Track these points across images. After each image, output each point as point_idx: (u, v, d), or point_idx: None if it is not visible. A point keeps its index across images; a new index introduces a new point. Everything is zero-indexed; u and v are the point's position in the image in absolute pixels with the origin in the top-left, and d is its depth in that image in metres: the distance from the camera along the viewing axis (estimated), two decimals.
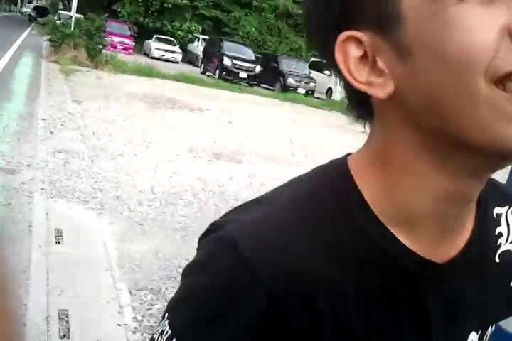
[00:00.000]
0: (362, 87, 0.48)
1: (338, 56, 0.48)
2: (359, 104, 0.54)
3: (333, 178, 0.54)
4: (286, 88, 20.80)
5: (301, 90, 21.02)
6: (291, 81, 21.21)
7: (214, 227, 0.53)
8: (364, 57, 0.48)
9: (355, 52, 0.48)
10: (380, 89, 0.48)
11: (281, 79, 21.36)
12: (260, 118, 12.44)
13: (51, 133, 7.37)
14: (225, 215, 0.55)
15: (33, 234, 4.06)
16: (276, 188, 0.57)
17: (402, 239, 0.51)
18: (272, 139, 9.92)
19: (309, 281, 0.48)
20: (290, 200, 0.53)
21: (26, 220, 4.29)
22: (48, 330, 2.89)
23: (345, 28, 0.48)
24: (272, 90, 21.29)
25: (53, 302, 3.16)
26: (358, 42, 0.48)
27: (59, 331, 2.90)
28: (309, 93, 21.32)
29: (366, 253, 0.51)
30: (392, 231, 0.51)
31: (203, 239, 0.54)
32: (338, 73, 0.51)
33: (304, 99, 19.26)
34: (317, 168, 0.58)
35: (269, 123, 11.86)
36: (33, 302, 3.13)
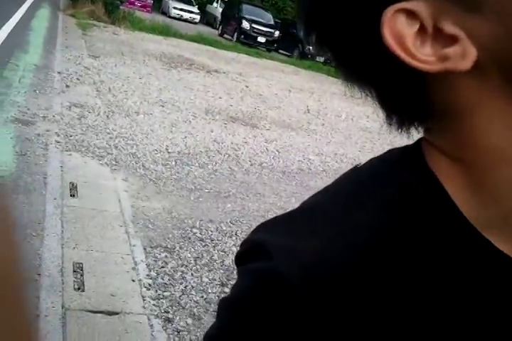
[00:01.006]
0: (434, 67, 0.39)
1: (389, 39, 0.38)
2: (412, 102, 0.44)
3: (412, 182, 0.43)
4: (304, 55, 20.47)
5: (320, 58, 20.68)
6: (310, 48, 20.84)
7: (252, 252, 0.44)
8: (420, 31, 0.39)
9: (409, 27, 0.38)
10: (461, 59, 0.38)
11: (300, 46, 21.01)
12: (277, 84, 12.27)
13: (67, 86, 7.28)
14: (259, 230, 0.46)
15: (48, 186, 4.03)
16: (323, 194, 0.47)
17: (501, 246, 0.42)
18: (288, 106, 9.79)
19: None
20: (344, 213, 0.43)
21: (41, 172, 4.26)
22: (63, 282, 2.88)
23: (385, 4, 0.39)
24: (290, 56, 20.96)
25: (68, 254, 3.15)
26: (409, 14, 0.38)
27: (73, 283, 2.89)
28: (328, 61, 20.96)
29: (456, 266, 0.41)
30: (487, 237, 0.42)
31: (241, 264, 0.44)
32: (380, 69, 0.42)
33: (322, 67, 18.94)
34: (371, 167, 0.47)
35: (285, 89, 11.69)
36: (48, 254, 3.11)
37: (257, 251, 0.42)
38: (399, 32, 0.38)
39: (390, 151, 0.48)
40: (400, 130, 0.47)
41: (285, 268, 0.40)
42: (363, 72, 0.44)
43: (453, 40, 0.38)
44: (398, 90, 0.43)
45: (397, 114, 0.46)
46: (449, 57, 0.38)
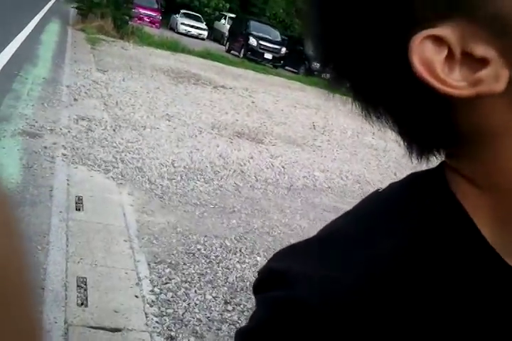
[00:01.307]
0: (465, 92, 0.38)
1: (419, 66, 0.38)
2: (438, 129, 0.43)
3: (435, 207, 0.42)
4: (310, 72, 20.58)
5: (326, 75, 20.73)
6: (316, 65, 20.96)
7: (271, 280, 0.42)
8: (448, 57, 0.39)
9: (438, 54, 0.38)
10: (494, 81, 0.37)
11: (307, 63, 21.13)
12: (283, 100, 12.32)
13: (75, 100, 7.32)
14: (278, 259, 0.45)
15: (54, 199, 4.03)
16: (343, 220, 0.47)
17: None
18: (294, 122, 9.81)
19: None
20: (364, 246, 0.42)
21: (47, 185, 4.26)
22: (66, 297, 2.86)
23: (410, 31, 0.38)
24: (297, 73, 21.07)
25: (72, 268, 3.14)
26: (437, 41, 0.38)
27: (77, 299, 2.87)
28: None
29: (482, 296, 0.40)
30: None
31: (260, 293, 0.43)
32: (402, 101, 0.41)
33: (328, 84, 19.03)
34: (393, 192, 0.46)
35: (291, 105, 11.74)
36: (52, 268, 3.10)
37: (277, 279, 0.42)
38: (428, 59, 0.38)
39: (411, 176, 0.47)
40: (420, 158, 0.47)
41: (307, 297, 0.39)
42: (384, 101, 0.44)
43: (483, 63, 0.38)
44: (423, 117, 0.43)
45: (420, 141, 0.46)
46: (481, 81, 0.38)
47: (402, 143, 0.47)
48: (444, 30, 0.38)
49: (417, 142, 0.46)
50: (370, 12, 0.40)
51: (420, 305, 0.39)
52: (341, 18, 0.42)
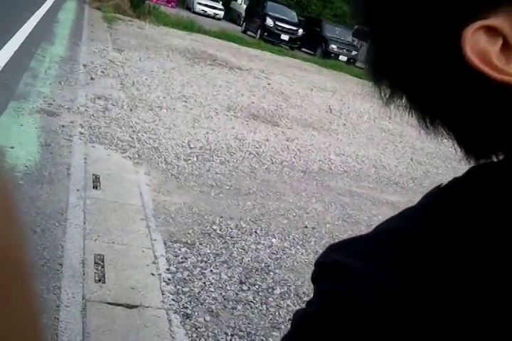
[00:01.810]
0: None
1: (473, 58, 0.37)
2: (500, 129, 0.41)
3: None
4: (327, 54, 20.39)
5: (343, 57, 20.60)
6: (333, 47, 20.76)
7: (330, 272, 0.44)
8: (504, 47, 0.38)
9: (492, 44, 0.38)
10: None
11: (323, 45, 20.93)
12: (299, 82, 12.23)
13: (92, 79, 7.33)
14: (335, 250, 0.46)
15: (71, 178, 4.06)
16: (399, 220, 0.46)
17: None
18: (310, 105, 9.76)
19: None
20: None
21: (65, 163, 4.30)
22: (84, 273, 2.90)
23: (462, 24, 0.38)
24: (313, 55, 20.88)
25: (90, 246, 3.17)
26: (490, 31, 0.37)
27: (94, 275, 2.91)
28: (351, 61, 20.87)
29: None
30: None
31: (319, 283, 0.45)
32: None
33: (344, 66, 18.86)
34: (456, 192, 0.44)
35: (308, 88, 11.66)
36: (70, 245, 3.14)
37: (336, 272, 0.43)
38: (483, 49, 0.38)
39: (473, 174, 0.45)
40: (478, 162, 0.46)
41: (364, 292, 0.40)
42: (442, 109, 0.43)
43: None
44: (482, 120, 0.41)
45: (478, 147, 0.45)
46: None
47: (454, 146, 0.46)
48: (497, 20, 0.37)
49: (475, 148, 0.45)
50: (420, 9, 0.39)
51: (483, 309, 0.39)
52: (391, 21, 0.42)
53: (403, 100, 0.45)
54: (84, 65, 7.96)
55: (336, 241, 0.48)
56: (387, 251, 0.43)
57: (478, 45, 0.37)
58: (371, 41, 0.45)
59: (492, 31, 0.37)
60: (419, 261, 0.41)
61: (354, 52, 21.33)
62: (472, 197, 0.43)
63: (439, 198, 0.45)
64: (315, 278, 0.45)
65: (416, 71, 0.42)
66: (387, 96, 0.45)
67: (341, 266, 0.43)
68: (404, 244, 0.42)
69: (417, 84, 0.43)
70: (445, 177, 7.11)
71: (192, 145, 5.63)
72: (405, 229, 0.44)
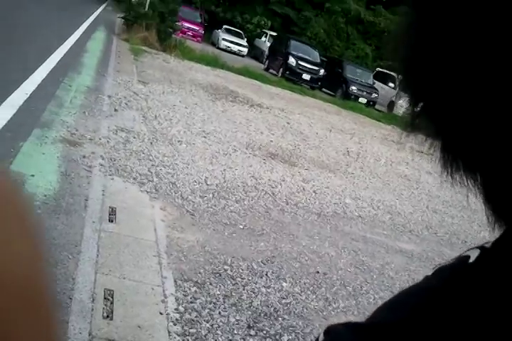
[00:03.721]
0: None
1: None
2: None
3: None
4: (347, 95, 20.59)
5: (363, 99, 20.77)
6: (353, 89, 20.97)
7: None
8: None
9: None
10: None
11: (344, 86, 21.15)
12: (318, 122, 12.34)
13: (115, 110, 7.46)
14: (347, 331, 0.43)
15: (88, 209, 4.09)
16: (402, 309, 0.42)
17: None
18: (328, 146, 9.81)
19: None
20: None
21: (83, 194, 4.34)
22: (93, 309, 2.89)
23: None
24: (333, 96, 21.10)
25: (101, 280, 3.17)
26: None
27: (103, 311, 2.90)
28: (370, 104, 21.05)
29: None
30: None
31: None
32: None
33: (364, 109, 19.02)
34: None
35: (326, 129, 11.75)
36: (81, 278, 3.14)
37: None
38: None
39: (486, 255, 0.41)
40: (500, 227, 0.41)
41: None
42: (484, 164, 0.38)
43: None
44: None
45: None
46: None
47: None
48: None
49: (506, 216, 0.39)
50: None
51: None
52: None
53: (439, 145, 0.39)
54: (109, 96, 8.13)
55: (348, 289, 0.47)
56: None
57: None
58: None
59: None
60: None
61: (374, 95, 21.51)
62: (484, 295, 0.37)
63: (445, 285, 0.41)
64: None
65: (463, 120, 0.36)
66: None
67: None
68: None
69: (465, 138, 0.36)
70: (460, 227, 7.04)
71: (209, 182, 5.67)
72: (406, 320, 0.39)
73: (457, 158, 0.38)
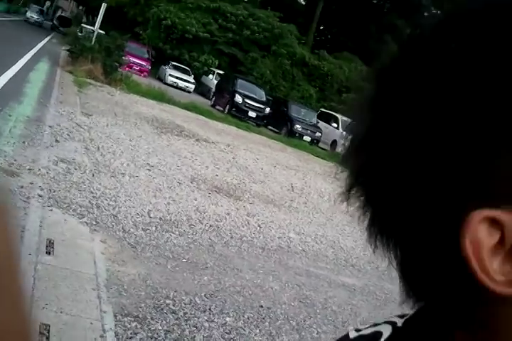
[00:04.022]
0: (498, 289, 0.35)
1: (467, 244, 0.35)
2: (457, 310, 0.39)
3: None
4: (292, 133, 20.95)
5: (307, 138, 21.18)
6: (298, 127, 21.38)
7: None
8: (498, 244, 0.35)
9: (489, 238, 0.35)
10: None
11: (289, 124, 21.54)
12: (264, 158, 12.44)
13: (56, 141, 7.29)
14: None
15: (24, 241, 3.92)
16: None
17: None
18: (273, 182, 9.88)
19: None
20: None
21: (19, 225, 4.16)
22: None
23: (470, 207, 0.36)
24: (278, 133, 21.43)
25: (36, 314, 3.01)
26: (493, 223, 0.35)
27: None
28: (314, 142, 21.48)
29: None
30: None
31: None
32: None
33: (308, 147, 19.36)
34: None
35: (271, 165, 11.85)
36: None
37: None
38: (478, 241, 0.35)
39: (396, 335, 0.46)
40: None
41: None
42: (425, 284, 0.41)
43: None
44: (447, 294, 0.39)
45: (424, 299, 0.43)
46: None
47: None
48: (505, 215, 0.35)
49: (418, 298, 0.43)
50: (428, 184, 0.37)
51: None
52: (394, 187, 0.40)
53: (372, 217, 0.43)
54: (51, 127, 7.95)
55: (291, 324, 0.49)
56: None
57: (476, 234, 0.35)
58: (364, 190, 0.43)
59: (495, 223, 0.35)
60: None
61: (318, 134, 21.99)
62: None
63: None
64: None
65: (406, 230, 0.40)
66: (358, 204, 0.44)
67: None
68: None
69: (406, 242, 0.41)
70: None
71: (152, 215, 5.56)
72: None
73: (382, 232, 0.42)
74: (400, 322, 0.46)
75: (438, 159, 0.37)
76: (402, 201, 0.39)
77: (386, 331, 0.47)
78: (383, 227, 0.43)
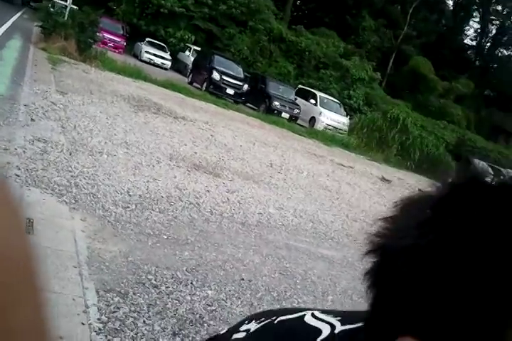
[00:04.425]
0: None
1: None
2: None
3: None
4: (270, 110, 20.94)
5: (285, 115, 21.19)
6: (276, 104, 21.36)
7: None
8: None
9: None
10: None
11: (267, 101, 21.50)
12: (242, 135, 12.45)
13: (32, 120, 7.20)
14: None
15: None
16: None
17: None
18: (252, 158, 9.91)
19: None
20: None
21: None
22: None
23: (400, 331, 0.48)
24: (257, 110, 21.39)
25: None
26: None
27: None
28: (292, 118, 21.50)
29: None
30: None
31: None
32: None
33: (286, 123, 19.39)
34: None
35: (250, 142, 11.87)
36: None
37: None
38: None
39: None
40: None
41: None
42: None
43: None
44: None
45: None
46: None
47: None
48: None
49: None
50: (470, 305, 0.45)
51: None
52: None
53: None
54: (25, 105, 7.83)
55: (272, 295, 0.55)
56: None
57: None
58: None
59: None
60: None
61: (296, 111, 22.00)
62: None
63: None
64: None
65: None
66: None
67: None
68: None
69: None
70: None
71: (131, 193, 5.57)
72: None
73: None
74: (338, 326, 0.58)
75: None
76: None
77: (326, 331, 0.59)
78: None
